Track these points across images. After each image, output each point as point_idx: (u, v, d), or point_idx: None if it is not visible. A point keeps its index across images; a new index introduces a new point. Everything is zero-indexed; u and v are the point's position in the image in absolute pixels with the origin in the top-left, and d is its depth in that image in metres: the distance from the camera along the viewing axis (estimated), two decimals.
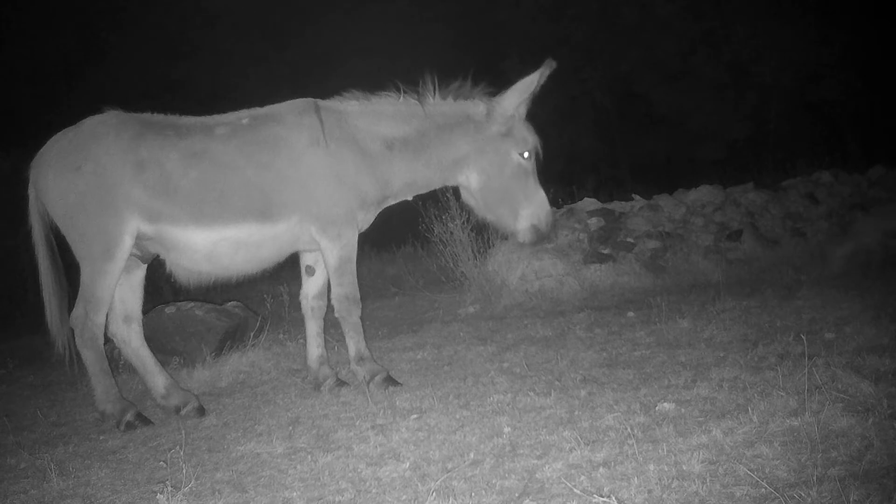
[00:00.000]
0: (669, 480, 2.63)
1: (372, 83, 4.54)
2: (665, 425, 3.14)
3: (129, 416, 4.23)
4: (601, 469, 2.79)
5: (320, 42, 18.56)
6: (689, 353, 4.30)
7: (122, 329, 4.43)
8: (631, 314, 5.62)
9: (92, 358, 4.24)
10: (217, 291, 7.02)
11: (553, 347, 4.87)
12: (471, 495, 2.71)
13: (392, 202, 4.67)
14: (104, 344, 4.33)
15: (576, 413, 3.49)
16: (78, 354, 4.31)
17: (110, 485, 3.34)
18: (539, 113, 4.56)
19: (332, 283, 4.46)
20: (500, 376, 4.32)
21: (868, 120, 18.68)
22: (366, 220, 4.53)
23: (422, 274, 8.55)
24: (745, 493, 2.48)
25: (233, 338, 5.62)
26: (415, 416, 3.73)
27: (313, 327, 4.65)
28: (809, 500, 2.37)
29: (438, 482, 2.86)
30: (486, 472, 2.92)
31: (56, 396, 5.36)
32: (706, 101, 18.47)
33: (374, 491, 2.90)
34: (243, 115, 4.44)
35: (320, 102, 4.46)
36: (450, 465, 3.03)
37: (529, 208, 4.44)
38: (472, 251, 7.17)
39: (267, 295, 7.14)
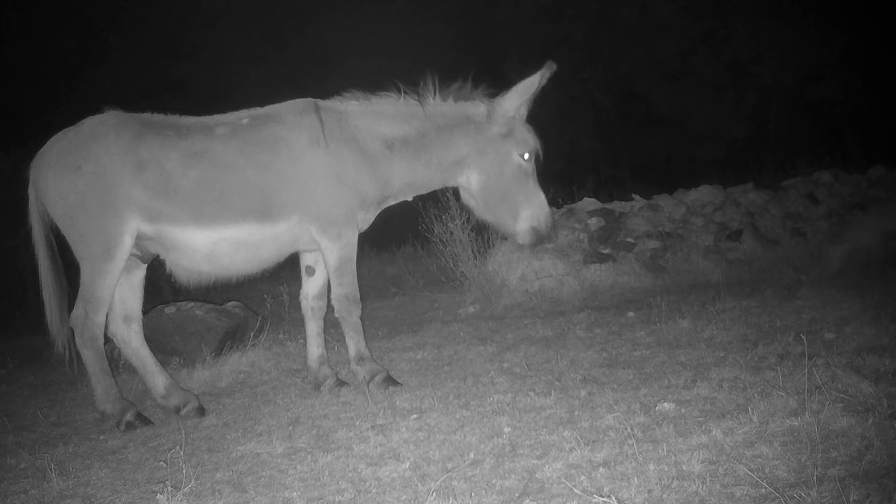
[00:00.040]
0: (669, 480, 2.63)
1: (372, 83, 4.54)
2: (665, 425, 3.14)
3: (129, 416, 4.23)
4: (601, 469, 2.79)
5: (320, 42, 18.56)
6: (689, 353, 4.30)
7: (122, 329, 4.43)
8: (631, 314, 5.62)
9: (92, 358, 4.24)
10: (217, 291, 7.02)
11: (553, 347, 4.87)
12: (471, 495, 2.71)
13: (392, 202, 4.67)
14: (104, 344, 4.33)
15: (576, 413, 3.49)
16: (78, 354, 4.31)
17: (110, 485, 3.34)
18: (539, 113, 4.56)
19: (332, 283, 4.46)
20: (500, 376, 4.32)
21: (868, 120, 18.68)
22: (366, 220, 4.53)
23: (422, 274, 8.55)
24: (745, 493, 2.48)
25: (233, 338, 5.62)
26: (415, 416, 3.73)
27: (313, 327, 4.65)
28: (809, 500, 2.37)
29: (438, 482, 2.86)
30: (486, 472, 2.92)
31: (56, 396, 5.36)
32: (706, 101, 18.47)
33: (374, 491, 2.90)
34: (243, 115, 4.44)
35: (320, 102, 4.46)
36: (450, 465, 3.03)
37: (529, 209, 4.44)
38: (472, 251, 7.17)
39: (267, 295, 7.13)
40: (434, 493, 2.75)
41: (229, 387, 5.00)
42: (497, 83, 4.56)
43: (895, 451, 2.65)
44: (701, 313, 5.28)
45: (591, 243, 7.33)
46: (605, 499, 2.51)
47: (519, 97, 4.39)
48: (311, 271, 4.68)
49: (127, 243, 4.20)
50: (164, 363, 4.77)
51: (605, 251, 7.27)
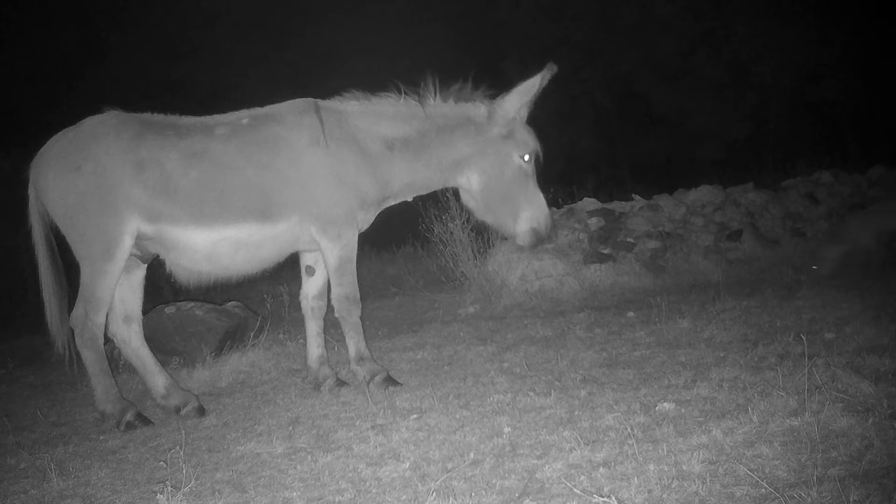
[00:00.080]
0: (669, 480, 2.63)
1: (372, 83, 4.54)
2: (665, 425, 3.14)
3: (129, 416, 4.23)
4: (601, 469, 2.79)
5: (320, 42, 18.57)
6: (689, 353, 4.30)
7: (122, 329, 4.43)
8: (631, 314, 5.62)
9: (92, 358, 4.24)
10: (217, 291, 7.02)
11: (553, 347, 4.87)
12: (471, 495, 2.71)
13: (392, 202, 4.67)
14: (104, 344, 4.33)
15: (576, 413, 3.49)
16: (78, 354, 4.31)
17: (110, 485, 3.34)
18: (539, 113, 4.56)
19: (332, 283, 4.46)
20: (500, 376, 4.32)
21: (868, 120, 18.69)
22: (366, 220, 4.53)
23: (422, 274, 8.55)
24: (745, 493, 2.48)
25: (233, 338, 5.62)
26: (415, 416, 3.73)
27: (313, 327, 4.65)
28: (809, 500, 2.37)
29: (438, 482, 2.86)
30: (486, 472, 2.92)
31: (56, 396, 5.36)
32: (706, 101, 18.48)
33: (374, 491, 2.90)
34: (243, 115, 4.44)
35: (320, 102, 4.46)
36: (450, 465, 3.03)
37: (529, 211, 4.44)
38: (472, 251, 7.17)
39: (267, 295, 7.13)
40: (434, 493, 2.75)
41: (229, 387, 5.00)
42: (497, 83, 4.56)
43: (895, 451, 2.65)
44: (701, 313, 5.28)
45: (591, 243, 7.33)
46: (605, 499, 2.51)
47: (519, 98, 4.40)
48: (311, 271, 4.68)
49: (127, 243, 4.20)
50: (164, 363, 4.77)
51: (605, 251, 7.28)
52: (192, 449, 3.69)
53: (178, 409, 4.36)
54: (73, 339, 4.31)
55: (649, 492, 2.57)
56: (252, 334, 5.66)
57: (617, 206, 7.79)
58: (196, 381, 5.07)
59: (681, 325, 4.98)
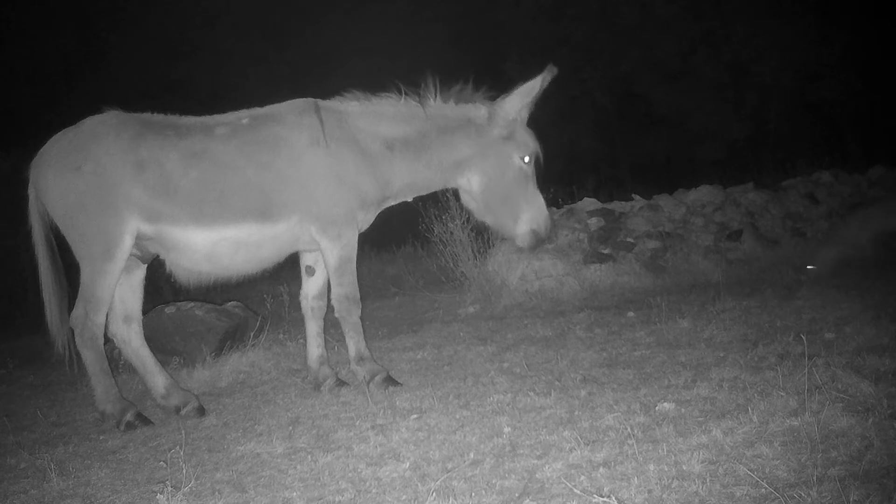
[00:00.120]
0: (669, 480, 2.63)
1: (372, 83, 4.54)
2: (665, 425, 3.14)
3: (129, 416, 4.23)
4: (601, 469, 2.79)
5: (320, 42, 18.57)
6: (689, 353, 4.30)
7: (122, 329, 4.43)
8: (631, 314, 5.62)
9: (92, 358, 4.24)
10: (217, 291, 7.02)
11: (553, 347, 4.87)
12: (471, 495, 2.71)
13: (392, 203, 4.67)
14: (104, 344, 4.33)
15: (576, 413, 3.49)
16: (78, 354, 4.31)
17: (110, 485, 3.34)
18: (539, 113, 4.56)
19: (332, 283, 4.46)
20: (500, 376, 4.32)
21: (868, 120, 18.69)
22: (366, 220, 4.53)
23: (422, 274, 8.55)
24: (745, 493, 2.48)
25: (233, 338, 5.62)
26: (415, 416, 3.73)
27: (313, 327, 4.65)
28: (809, 500, 2.37)
29: (438, 482, 2.86)
30: (486, 472, 2.92)
31: (56, 396, 5.36)
32: (706, 101, 18.48)
33: (374, 491, 2.90)
34: (243, 115, 4.44)
35: (320, 102, 4.46)
36: (450, 465, 3.03)
37: (529, 212, 4.44)
38: (472, 251, 7.17)
39: (267, 295, 7.13)
40: (434, 493, 2.75)
41: (229, 387, 5.00)
42: (497, 83, 4.56)
43: (895, 451, 2.65)
44: (701, 313, 5.28)
45: (591, 243, 7.33)
46: (605, 499, 2.51)
47: (520, 100, 4.40)
48: (311, 271, 4.68)
49: (127, 243, 4.20)
50: (164, 363, 4.77)
51: (605, 251, 7.28)
52: (192, 449, 3.69)
53: (178, 409, 4.35)
54: (73, 339, 4.30)
55: (649, 492, 2.57)
56: (252, 334, 5.66)
57: (617, 206, 7.79)
58: (196, 381, 5.07)
59: (681, 325, 4.98)
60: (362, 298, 4.53)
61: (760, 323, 4.85)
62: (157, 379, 4.43)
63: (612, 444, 3.03)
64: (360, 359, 4.47)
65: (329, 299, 4.57)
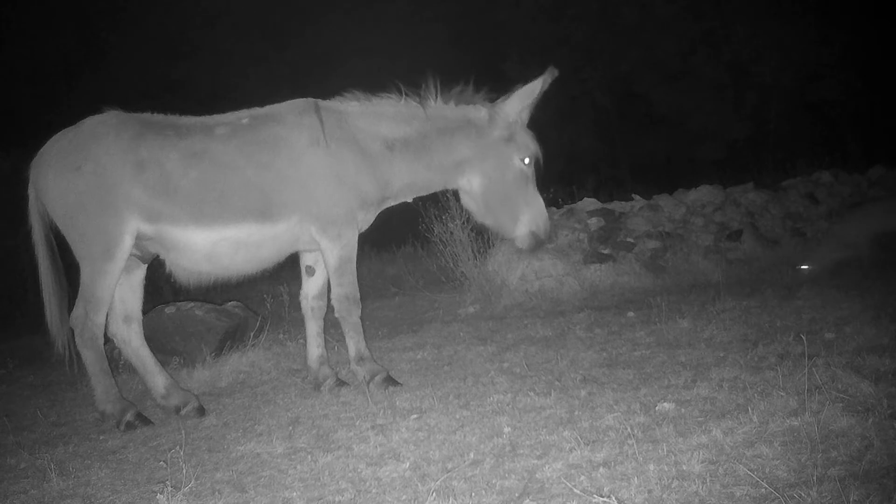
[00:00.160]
0: (669, 480, 2.63)
1: (372, 83, 4.54)
2: (665, 425, 3.14)
3: (129, 416, 4.23)
4: (601, 469, 2.79)
5: (320, 42, 18.57)
6: (689, 353, 4.30)
7: (122, 329, 4.43)
8: (631, 314, 5.62)
9: (92, 358, 4.24)
10: (217, 291, 7.01)
11: (553, 347, 4.87)
12: (471, 495, 2.71)
13: (392, 203, 4.67)
14: (104, 344, 4.33)
15: (576, 413, 3.49)
16: (78, 354, 4.31)
17: (110, 485, 3.34)
18: (539, 114, 4.57)
19: (332, 283, 4.46)
20: (500, 376, 4.32)
21: (868, 120, 18.70)
22: (366, 220, 4.53)
23: (422, 274, 8.55)
24: (745, 493, 2.48)
25: (233, 338, 5.62)
26: (415, 416, 3.73)
27: (313, 327, 4.65)
28: (809, 500, 2.37)
29: (438, 482, 2.86)
30: (486, 472, 2.92)
31: (56, 396, 5.36)
32: (706, 101, 18.49)
33: (374, 491, 2.90)
34: (243, 115, 4.44)
35: (321, 102, 4.46)
36: (450, 465, 3.03)
37: (529, 214, 4.45)
38: (472, 251, 7.17)
39: (267, 295, 7.13)
40: (434, 493, 2.75)
41: (229, 387, 5.00)
42: (497, 83, 4.57)
43: (895, 451, 2.65)
44: (701, 313, 5.28)
45: (591, 243, 7.33)
46: (605, 499, 2.51)
47: (520, 102, 4.41)
48: (311, 271, 4.68)
49: (127, 243, 4.20)
50: (164, 363, 4.77)
51: (605, 251, 7.28)
52: (192, 449, 3.69)
53: (178, 409, 4.35)
54: (73, 339, 4.30)
55: (649, 492, 2.57)
56: (252, 334, 5.66)
57: (617, 206, 7.79)
58: (196, 381, 5.07)
59: (681, 325, 4.98)
60: (362, 298, 4.53)
61: (760, 323, 4.85)
62: (157, 379, 4.43)
63: (612, 444, 3.03)
64: (360, 359, 4.47)
65: (329, 299, 4.57)
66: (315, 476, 3.12)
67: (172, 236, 4.25)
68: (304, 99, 4.47)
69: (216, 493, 3.05)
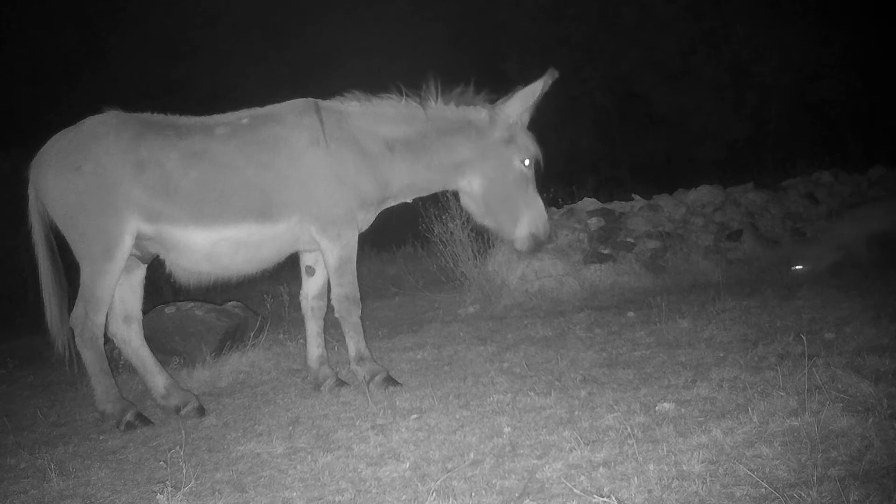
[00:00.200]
0: (669, 480, 2.63)
1: (372, 83, 4.54)
2: (665, 425, 3.14)
3: (129, 416, 4.23)
4: (601, 469, 2.79)
5: (320, 42, 18.57)
6: (689, 353, 4.30)
7: (122, 329, 4.43)
8: (631, 314, 5.62)
9: (92, 358, 4.24)
10: (217, 291, 7.02)
11: (553, 347, 4.87)
12: (471, 495, 2.71)
13: (392, 203, 4.67)
14: (104, 344, 4.33)
15: (576, 413, 3.49)
16: (78, 354, 4.31)
17: (110, 485, 3.34)
18: (539, 114, 4.57)
19: (332, 283, 4.46)
20: (500, 376, 4.32)
21: (868, 120, 18.69)
22: (366, 220, 4.53)
23: (422, 274, 8.55)
24: (745, 493, 2.48)
25: (233, 338, 5.62)
26: (415, 416, 3.73)
27: (313, 327, 4.65)
28: (809, 500, 2.36)
29: (438, 482, 2.86)
30: (486, 472, 2.92)
31: (56, 396, 5.36)
32: (706, 101, 18.48)
33: (374, 491, 2.90)
34: (243, 115, 4.44)
35: (321, 102, 4.46)
36: (450, 465, 3.03)
37: (529, 215, 4.45)
38: (472, 251, 7.17)
39: (267, 295, 7.13)
40: (434, 493, 2.75)
41: (229, 387, 5.00)
42: (497, 83, 4.57)
43: (895, 451, 2.65)
44: (701, 313, 5.28)
45: (591, 243, 7.33)
46: (605, 499, 2.51)
47: (521, 103, 4.41)
48: (311, 271, 4.68)
49: (127, 243, 4.20)
50: (164, 363, 4.77)
51: (605, 251, 7.28)
52: (192, 449, 3.69)
53: (178, 409, 4.35)
54: (73, 339, 4.30)
55: (649, 492, 2.57)
56: (252, 334, 5.66)
57: (617, 206, 7.79)
58: (196, 381, 5.07)
59: (681, 325, 4.98)
60: (362, 298, 4.53)
61: (760, 323, 4.85)
62: (157, 379, 4.43)
63: (612, 444, 3.03)
64: (360, 359, 4.47)
65: (329, 299, 4.57)
66: (315, 476, 3.12)
67: (172, 236, 4.25)
68: (304, 99, 4.48)
69: (216, 493, 3.05)
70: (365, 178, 4.38)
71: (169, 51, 18.31)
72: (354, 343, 4.48)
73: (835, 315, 4.81)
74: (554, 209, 7.63)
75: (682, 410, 3.33)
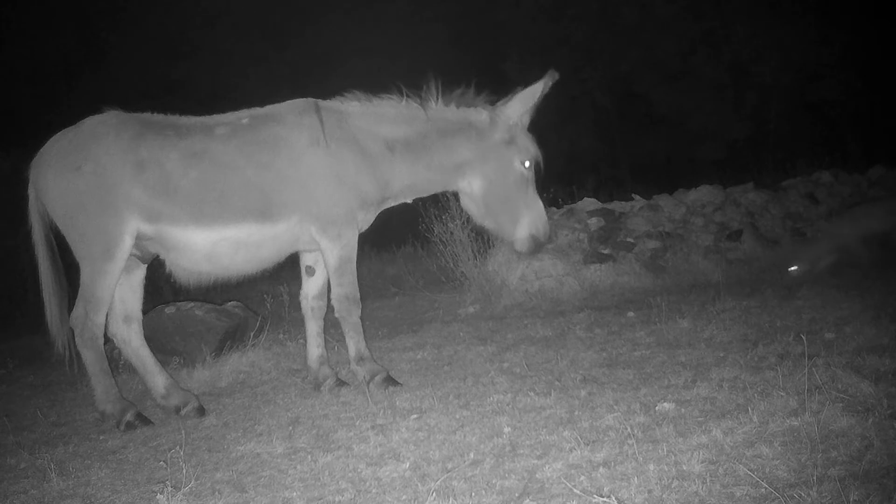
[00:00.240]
0: (669, 480, 2.63)
1: (372, 83, 4.54)
2: (665, 425, 3.14)
3: (129, 416, 4.23)
4: (601, 469, 2.79)
5: (320, 42, 18.57)
6: (689, 353, 4.30)
7: (122, 329, 4.43)
8: (631, 314, 5.62)
9: (92, 358, 4.24)
10: (217, 291, 7.02)
11: (553, 347, 4.87)
12: (471, 495, 2.71)
13: (392, 203, 4.68)
14: (104, 344, 4.33)
15: (576, 413, 3.49)
16: (78, 354, 4.31)
17: (110, 485, 3.34)
18: (539, 114, 4.57)
19: (332, 283, 4.46)
20: (500, 376, 4.32)
21: (868, 120, 18.69)
22: (366, 220, 4.53)
23: (422, 274, 8.55)
24: (745, 493, 2.48)
25: (233, 338, 5.61)
26: (415, 416, 3.73)
27: (313, 327, 4.65)
28: (809, 500, 2.36)
29: (438, 482, 2.86)
30: (486, 472, 2.92)
31: (56, 396, 5.36)
32: (706, 101, 18.49)
33: (374, 491, 2.90)
34: (243, 115, 4.44)
35: (321, 102, 4.47)
36: (450, 465, 3.03)
37: (529, 217, 4.46)
38: (472, 251, 7.18)
39: (267, 295, 7.14)
40: (434, 493, 2.75)
41: (229, 387, 5.00)
42: (497, 84, 4.57)
43: (895, 451, 2.65)
44: (701, 313, 5.28)
45: (591, 243, 7.33)
46: (605, 499, 2.51)
47: (521, 105, 4.42)
48: (311, 271, 4.68)
49: (127, 243, 4.20)
50: (164, 363, 4.77)
51: (605, 251, 7.28)
52: (192, 449, 3.69)
53: (178, 409, 4.35)
54: (73, 339, 4.30)
55: (649, 492, 2.57)
56: (252, 334, 5.66)
57: (617, 206, 7.79)
58: (196, 381, 5.07)
59: (681, 325, 4.98)
60: (362, 298, 4.53)
61: (760, 323, 4.85)
62: (157, 379, 4.43)
63: (612, 444, 3.03)
64: (360, 359, 4.47)
65: (329, 299, 4.57)
66: (315, 476, 3.12)
67: (172, 236, 4.25)
68: (305, 99, 4.48)
69: (216, 493, 3.05)
70: (365, 179, 4.39)
71: (169, 51, 18.31)
72: (354, 343, 4.48)
73: (835, 315, 4.81)
74: (554, 209, 7.63)
75: (682, 410, 3.33)
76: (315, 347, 4.63)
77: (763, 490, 2.46)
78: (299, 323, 5.03)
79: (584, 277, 7.02)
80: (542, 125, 4.63)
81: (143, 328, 4.52)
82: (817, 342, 4.11)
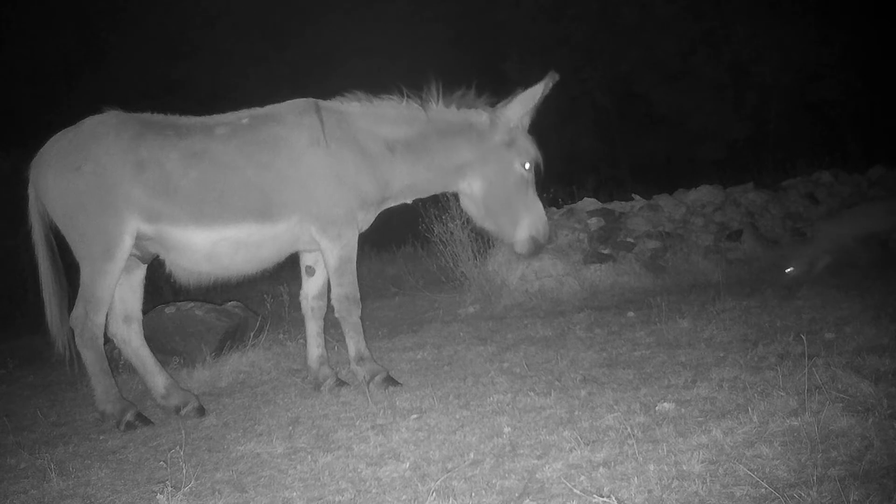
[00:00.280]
0: (669, 480, 2.63)
1: (372, 83, 4.55)
2: (665, 425, 3.14)
3: (129, 416, 4.23)
4: (601, 469, 2.79)
5: (320, 42, 18.58)
6: (689, 353, 4.30)
7: (122, 329, 4.43)
8: (631, 314, 5.62)
9: (92, 358, 4.24)
10: (217, 291, 7.01)
11: (553, 347, 4.87)
12: (471, 495, 2.71)
13: (392, 204, 4.68)
14: (104, 344, 4.33)
15: (576, 413, 3.49)
16: (78, 354, 4.31)
17: (110, 485, 3.34)
18: (539, 114, 4.58)
19: (332, 283, 4.46)
20: (500, 376, 4.32)
21: (868, 120, 18.70)
22: (366, 220, 4.53)
23: (422, 274, 8.55)
24: (745, 493, 2.48)
25: (233, 338, 5.62)
26: (415, 416, 3.73)
27: (313, 327, 4.65)
28: (809, 500, 2.36)
29: (438, 482, 2.86)
30: (486, 472, 2.92)
31: (56, 396, 5.36)
32: (706, 101, 18.49)
33: (374, 491, 2.90)
34: (243, 115, 4.44)
35: (321, 103, 4.47)
36: (450, 465, 3.03)
37: (529, 218, 4.47)
38: (472, 251, 7.18)
39: (267, 295, 7.14)
40: (434, 493, 2.75)
41: (229, 387, 5.00)
42: (497, 83, 4.57)
43: (895, 451, 2.65)
44: (701, 313, 5.28)
45: (591, 243, 7.33)
46: (605, 499, 2.51)
47: (522, 107, 4.43)
48: (311, 271, 4.68)
49: (127, 243, 4.20)
50: (164, 363, 4.77)
51: (605, 251, 7.28)
52: (192, 449, 3.69)
53: (178, 409, 4.35)
54: (73, 339, 4.30)
55: (649, 492, 2.57)
56: (252, 334, 5.66)
57: (617, 206, 7.79)
58: (196, 381, 5.07)
59: (681, 325, 4.98)
60: (362, 298, 4.53)
61: (760, 323, 4.85)
62: (157, 379, 4.43)
63: (612, 444, 3.03)
64: (360, 359, 4.47)
65: (329, 299, 4.57)
66: (315, 476, 3.12)
67: (172, 236, 4.25)
68: (305, 99, 4.48)
69: (216, 493, 3.05)
70: (365, 179, 4.39)
71: (169, 51, 18.32)
72: (354, 343, 4.48)
73: (835, 315, 4.81)
74: (554, 209, 7.63)
75: (682, 410, 3.33)
76: (315, 347, 4.63)
77: (763, 490, 2.46)
78: (299, 323, 5.03)
79: (584, 277, 7.02)
80: (542, 125, 4.64)
81: (143, 328, 4.52)
82: (817, 342, 4.11)
